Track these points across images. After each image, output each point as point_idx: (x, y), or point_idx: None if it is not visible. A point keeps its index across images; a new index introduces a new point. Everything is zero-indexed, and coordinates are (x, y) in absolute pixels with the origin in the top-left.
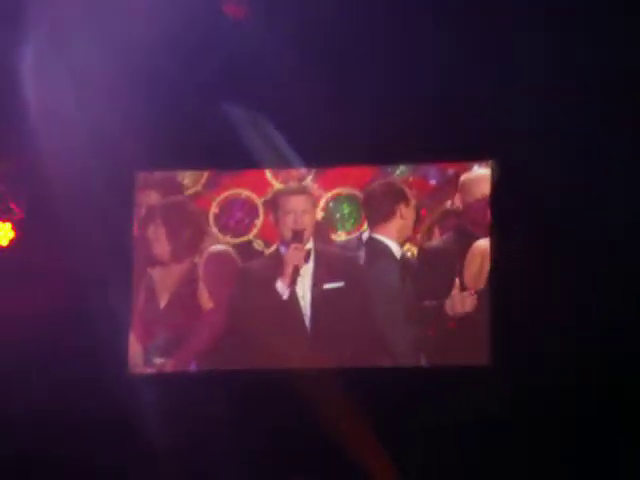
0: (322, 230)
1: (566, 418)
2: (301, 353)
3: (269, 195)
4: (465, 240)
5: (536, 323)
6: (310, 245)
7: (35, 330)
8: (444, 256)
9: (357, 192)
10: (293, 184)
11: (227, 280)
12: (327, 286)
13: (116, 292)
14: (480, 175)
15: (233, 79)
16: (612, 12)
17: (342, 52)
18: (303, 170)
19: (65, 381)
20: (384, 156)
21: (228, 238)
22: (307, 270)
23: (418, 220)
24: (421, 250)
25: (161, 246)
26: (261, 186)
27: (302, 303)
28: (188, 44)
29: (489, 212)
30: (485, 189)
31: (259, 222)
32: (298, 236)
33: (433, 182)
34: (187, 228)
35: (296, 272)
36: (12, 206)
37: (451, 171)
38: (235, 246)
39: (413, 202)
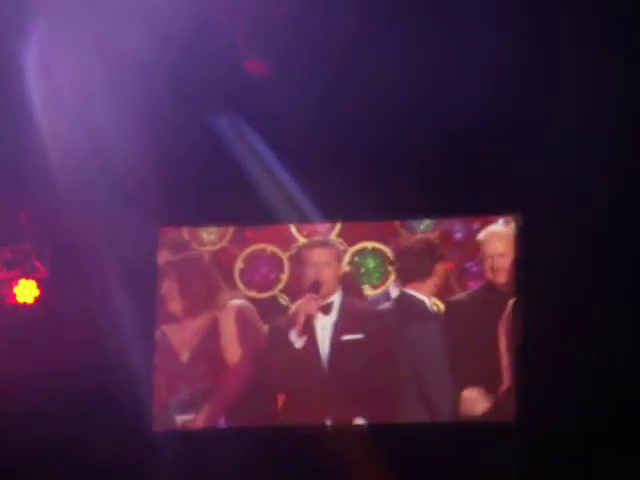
0: (349, 283)
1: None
2: (319, 404)
3: (294, 249)
4: (492, 295)
5: (563, 380)
6: (334, 298)
7: (59, 386)
8: (472, 311)
9: (383, 246)
10: (317, 238)
11: (252, 334)
12: (346, 337)
13: (139, 348)
14: (502, 230)
15: (256, 133)
16: None
17: (367, 105)
18: (327, 224)
19: (89, 437)
20: (408, 210)
21: (253, 293)
22: (328, 322)
23: (446, 275)
24: (448, 304)
25: (175, 302)
26: (286, 241)
27: (322, 354)
28: (207, 99)
29: (513, 267)
30: (508, 244)
31: (284, 277)
32: (314, 287)
33: (458, 236)
34: (200, 282)
35: (308, 321)
36: (37, 264)
37: (476, 225)
38: (260, 301)
39: (444, 258)
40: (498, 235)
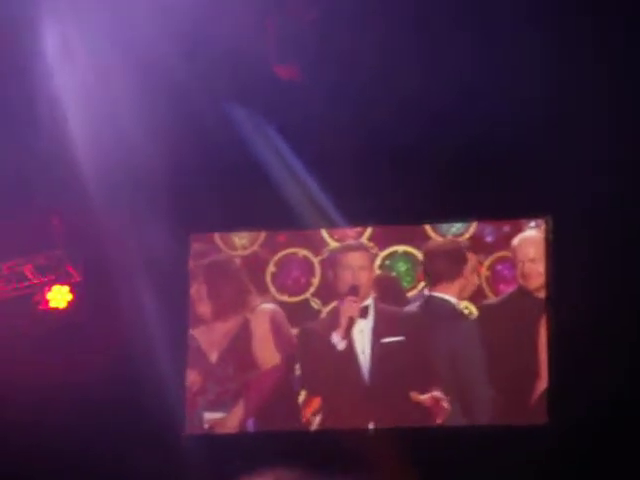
0: (382, 287)
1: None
2: (359, 408)
3: (325, 253)
4: (524, 300)
5: (595, 382)
6: (369, 301)
7: (91, 390)
8: (505, 316)
9: (413, 250)
10: (351, 241)
11: (286, 337)
12: (386, 340)
13: (170, 353)
14: (534, 235)
15: (285, 138)
16: None
17: (395, 109)
18: (358, 229)
19: (121, 443)
20: (438, 214)
21: (285, 297)
22: (366, 326)
23: (476, 278)
24: (481, 308)
25: (204, 305)
26: (317, 245)
27: (362, 358)
28: (238, 103)
29: (544, 271)
30: (540, 249)
31: (316, 281)
32: (354, 290)
33: (489, 239)
34: (230, 286)
35: (351, 324)
36: (70, 269)
37: (507, 228)
38: (292, 305)
39: (474, 261)
40: (530, 240)
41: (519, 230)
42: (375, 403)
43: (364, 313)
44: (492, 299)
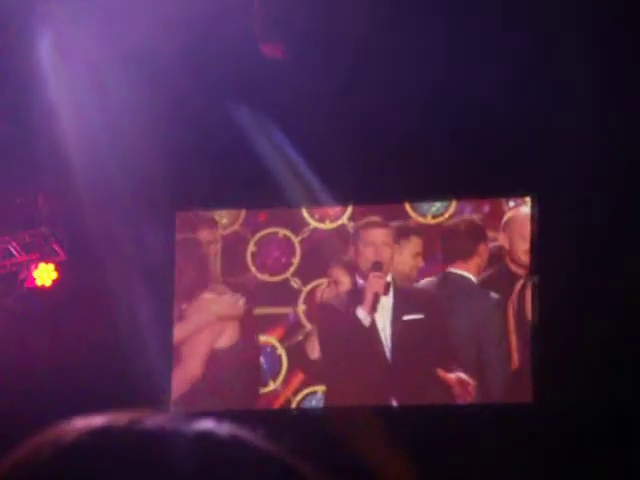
0: (399, 265)
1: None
2: (381, 384)
3: (306, 232)
4: (506, 279)
5: (579, 360)
6: (389, 278)
7: (75, 367)
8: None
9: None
10: (375, 217)
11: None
12: (407, 317)
13: (156, 331)
14: (518, 214)
15: (268, 117)
16: None
17: (382, 90)
18: (339, 208)
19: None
20: (422, 193)
21: (266, 276)
22: (387, 303)
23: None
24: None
25: (187, 279)
26: (298, 224)
27: (383, 335)
28: (226, 85)
29: (530, 249)
30: (523, 227)
31: (296, 260)
32: (378, 265)
33: (477, 218)
34: (206, 264)
35: (376, 299)
36: (55, 247)
37: (487, 207)
38: (272, 284)
39: (488, 240)
40: (514, 219)
41: (500, 209)
42: (397, 380)
43: (386, 290)
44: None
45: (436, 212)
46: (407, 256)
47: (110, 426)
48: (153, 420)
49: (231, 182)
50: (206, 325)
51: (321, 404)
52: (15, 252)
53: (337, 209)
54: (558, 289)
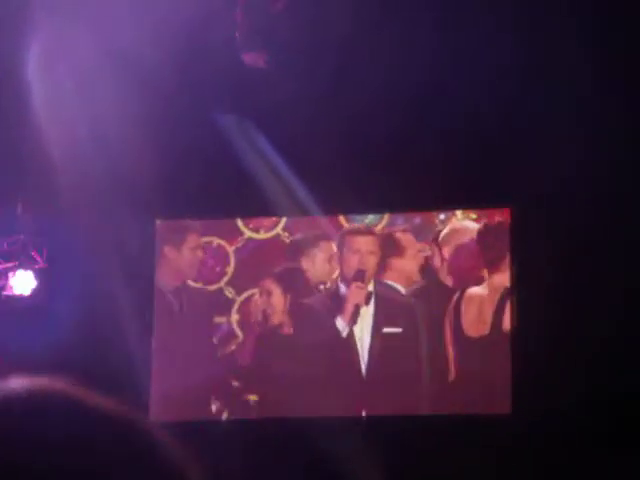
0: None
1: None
2: (354, 396)
3: (241, 242)
4: (440, 289)
5: (556, 371)
6: (371, 287)
7: (56, 376)
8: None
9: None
10: (360, 225)
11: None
12: (386, 330)
13: (137, 338)
14: (459, 226)
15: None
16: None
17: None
18: (274, 218)
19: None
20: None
21: (200, 285)
22: (367, 312)
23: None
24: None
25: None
26: (232, 234)
27: (359, 345)
28: (211, 93)
29: (510, 261)
30: (466, 239)
31: (230, 270)
32: (360, 275)
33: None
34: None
35: (357, 310)
36: (34, 255)
37: (417, 219)
38: (209, 293)
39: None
40: (453, 232)
41: (431, 222)
42: (369, 393)
43: (368, 300)
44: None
45: (369, 224)
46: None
47: None
48: None
49: (217, 191)
50: None
51: (253, 414)
52: None
53: (272, 219)
54: (535, 300)
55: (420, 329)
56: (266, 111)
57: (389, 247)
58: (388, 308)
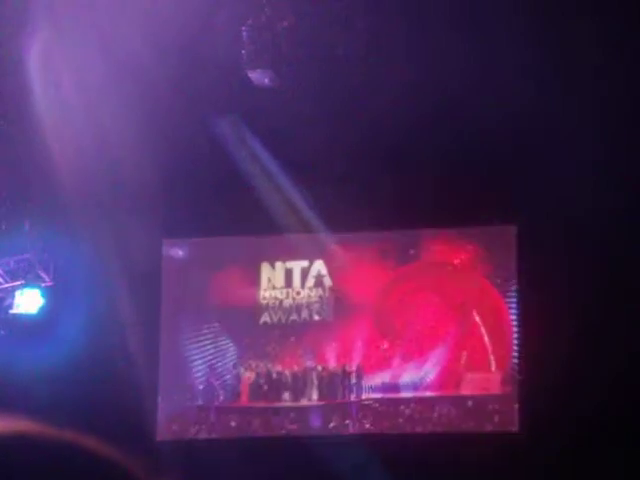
0: None
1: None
2: None
3: None
4: None
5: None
6: None
7: (63, 394)
8: None
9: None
10: None
11: None
12: None
13: (144, 356)
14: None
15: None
16: None
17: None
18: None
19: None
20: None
21: None
22: None
23: None
24: None
25: None
26: None
27: None
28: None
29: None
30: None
31: None
32: None
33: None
34: None
35: None
36: (41, 274)
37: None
38: None
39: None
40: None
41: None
42: None
43: None
44: None
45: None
46: None
47: None
48: None
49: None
50: None
51: None
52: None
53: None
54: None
55: None
56: (271, 128)
57: None
58: None
